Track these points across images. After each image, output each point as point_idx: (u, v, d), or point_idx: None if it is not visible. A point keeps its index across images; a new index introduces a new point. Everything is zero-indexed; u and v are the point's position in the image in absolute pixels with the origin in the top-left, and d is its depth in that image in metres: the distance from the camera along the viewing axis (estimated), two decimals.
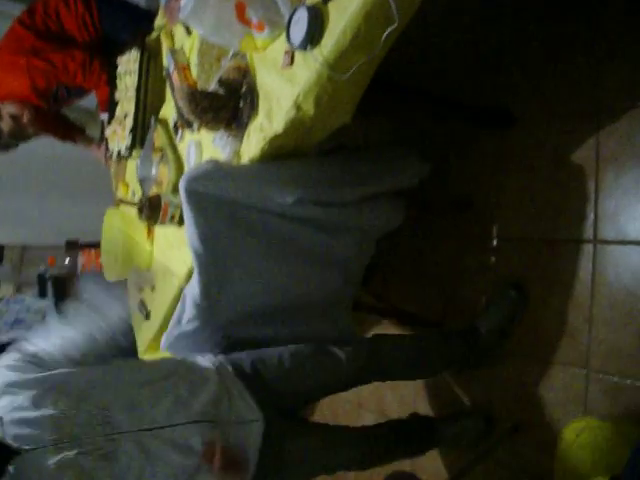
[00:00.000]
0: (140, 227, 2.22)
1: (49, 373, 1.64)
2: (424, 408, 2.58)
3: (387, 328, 2.73)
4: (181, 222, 1.89)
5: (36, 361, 1.72)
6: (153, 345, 2.21)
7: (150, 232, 2.22)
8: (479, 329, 2.24)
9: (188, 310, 1.79)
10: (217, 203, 1.67)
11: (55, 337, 1.82)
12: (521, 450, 2.19)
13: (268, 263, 1.79)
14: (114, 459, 1.52)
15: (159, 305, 2.04)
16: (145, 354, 2.32)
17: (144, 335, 2.22)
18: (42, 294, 4.67)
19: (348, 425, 2.13)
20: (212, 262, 1.70)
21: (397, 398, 2.74)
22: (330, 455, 1.97)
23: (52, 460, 1.46)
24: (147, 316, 2.14)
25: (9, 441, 1.47)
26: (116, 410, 1.57)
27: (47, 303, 4.56)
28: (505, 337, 2.25)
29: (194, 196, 1.65)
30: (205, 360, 1.83)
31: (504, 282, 2.25)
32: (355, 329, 2.19)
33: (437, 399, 2.56)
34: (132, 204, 2.34)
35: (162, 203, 1.94)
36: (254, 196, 1.68)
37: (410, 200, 2.06)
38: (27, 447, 1.46)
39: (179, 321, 1.84)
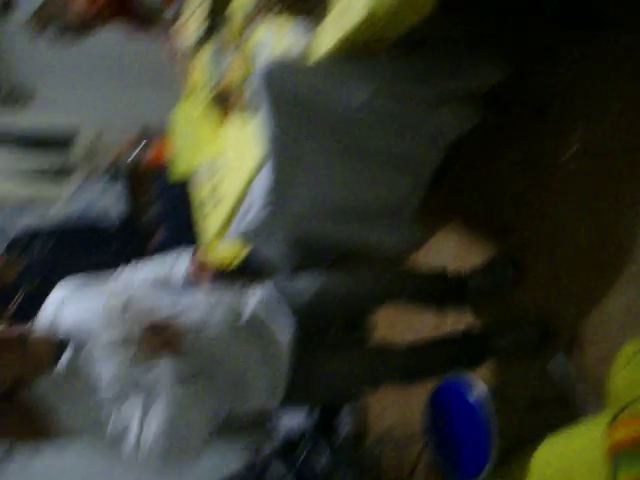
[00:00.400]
0: (211, 117, 2.23)
1: None
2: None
3: (452, 232, 2.72)
4: (254, 113, 1.89)
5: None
6: (219, 235, 2.27)
7: (221, 122, 2.23)
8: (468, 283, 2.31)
9: (257, 202, 1.82)
10: (291, 97, 1.66)
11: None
12: (578, 364, 2.20)
13: (339, 161, 1.79)
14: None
15: (227, 195, 2.08)
16: (211, 244, 2.39)
17: (210, 226, 2.27)
18: (112, 182, 4.79)
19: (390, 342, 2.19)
20: (283, 156, 1.72)
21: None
22: (365, 372, 2.02)
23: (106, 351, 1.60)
24: (216, 205, 2.18)
25: (65, 334, 1.62)
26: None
27: (118, 191, 4.70)
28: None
29: (268, 89, 1.65)
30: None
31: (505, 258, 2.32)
32: (420, 235, 2.20)
33: (492, 312, 2.57)
34: (204, 94, 2.34)
35: (237, 92, 1.94)
36: (328, 91, 1.66)
37: (486, 103, 2.00)
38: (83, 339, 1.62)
39: (247, 212, 1.88)
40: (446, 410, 2.02)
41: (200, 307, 1.75)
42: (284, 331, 1.83)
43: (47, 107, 4.26)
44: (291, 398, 1.86)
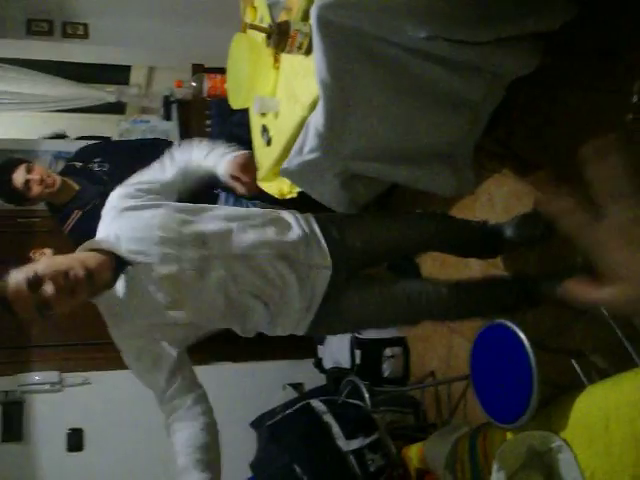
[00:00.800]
0: (267, 54, 2.22)
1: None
2: (535, 262, 2.59)
3: (507, 177, 2.69)
4: (309, 51, 1.87)
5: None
6: (272, 172, 2.29)
7: (276, 59, 2.22)
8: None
9: (310, 139, 1.83)
10: (348, 33, 1.64)
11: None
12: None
13: (395, 100, 1.78)
14: (205, 275, 1.83)
15: (281, 132, 2.08)
16: (263, 181, 2.41)
17: (264, 161, 2.29)
18: (167, 117, 4.84)
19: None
20: (338, 93, 1.71)
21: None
22: (389, 308, 2.11)
23: (157, 271, 1.79)
24: (269, 142, 2.20)
25: (124, 254, 1.79)
26: (211, 233, 1.88)
27: (172, 125, 4.74)
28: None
29: (326, 25, 1.63)
30: (290, 214, 2.07)
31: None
32: (474, 179, 2.18)
33: (547, 257, 2.55)
34: (260, 30, 2.33)
35: (291, 30, 1.92)
36: (386, 28, 1.64)
37: (547, 46, 1.95)
38: (139, 260, 1.79)
39: (300, 150, 1.89)
40: (491, 353, 2.04)
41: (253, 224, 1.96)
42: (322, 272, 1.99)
43: (101, 42, 4.28)
44: (318, 325, 2.04)
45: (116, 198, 1.97)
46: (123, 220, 1.89)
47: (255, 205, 3.24)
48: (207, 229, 1.89)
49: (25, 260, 1.77)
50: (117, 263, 1.78)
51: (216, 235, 1.88)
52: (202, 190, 3.22)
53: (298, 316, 1.99)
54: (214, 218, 1.95)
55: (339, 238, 2.06)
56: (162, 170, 2.14)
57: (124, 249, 1.80)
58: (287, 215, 2.07)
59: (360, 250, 2.10)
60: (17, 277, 1.65)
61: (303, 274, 1.96)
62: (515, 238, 2.36)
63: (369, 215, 2.26)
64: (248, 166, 2.15)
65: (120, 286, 1.78)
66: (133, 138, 4.76)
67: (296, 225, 2.02)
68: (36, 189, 2.98)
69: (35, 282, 1.63)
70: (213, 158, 2.15)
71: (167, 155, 2.19)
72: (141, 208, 1.91)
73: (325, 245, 2.01)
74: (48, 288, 1.63)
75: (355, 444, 3.19)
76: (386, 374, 3.78)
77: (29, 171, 2.97)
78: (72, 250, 1.84)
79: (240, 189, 2.19)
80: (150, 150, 3.41)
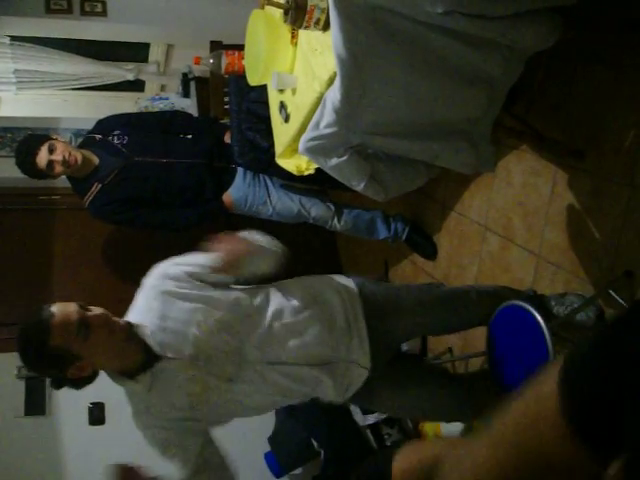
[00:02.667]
0: (284, 30, 2.21)
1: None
2: (552, 239, 2.58)
3: (525, 153, 2.67)
4: (326, 27, 1.87)
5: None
6: (290, 149, 2.29)
7: (294, 35, 2.21)
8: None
9: (327, 115, 1.83)
10: (365, 8, 1.63)
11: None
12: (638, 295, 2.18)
13: (412, 75, 1.77)
14: (236, 381, 1.81)
15: (299, 108, 2.08)
16: (281, 157, 2.41)
17: (282, 138, 2.29)
18: (186, 94, 4.84)
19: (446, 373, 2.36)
20: (356, 69, 1.70)
21: (526, 226, 2.74)
22: (422, 408, 2.20)
23: (185, 373, 1.77)
24: (287, 119, 2.20)
25: (154, 347, 1.76)
26: (248, 342, 1.83)
27: (190, 102, 4.75)
28: None
29: (342, 0, 1.62)
30: (337, 291, 2.02)
31: None
32: (494, 157, 2.17)
33: (567, 229, 2.54)
34: (277, 6, 2.32)
35: (308, 6, 1.91)
36: (403, 3, 1.63)
37: (568, 19, 1.92)
38: (169, 355, 1.76)
39: (317, 125, 1.89)
40: (508, 334, 2.04)
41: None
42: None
43: (120, 20, 4.29)
44: None
45: (160, 277, 1.86)
46: (161, 305, 1.81)
47: (272, 180, 3.26)
48: (246, 335, 1.84)
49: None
50: (147, 356, 1.76)
51: (255, 343, 1.83)
52: (222, 166, 3.26)
53: (330, 399, 2.05)
54: (258, 318, 1.87)
55: (383, 331, 2.03)
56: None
57: (157, 339, 1.77)
58: (333, 300, 2.00)
59: (400, 338, 2.17)
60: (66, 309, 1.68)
61: (340, 371, 1.96)
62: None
63: (419, 303, 2.15)
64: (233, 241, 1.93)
65: (144, 381, 1.77)
66: None
67: (341, 315, 1.97)
68: (59, 169, 3.04)
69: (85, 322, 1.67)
70: None
71: None
72: (182, 298, 1.82)
73: (368, 347, 1.99)
74: (93, 310, 1.70)
75: (372, 419, 3.22)
76: (404, 350, 3.80)
77: (51, 151, 3.02)
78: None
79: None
80: (169, 122, 3.44)
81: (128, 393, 1.85)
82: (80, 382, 1.79)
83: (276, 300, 1.92)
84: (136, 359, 1.76)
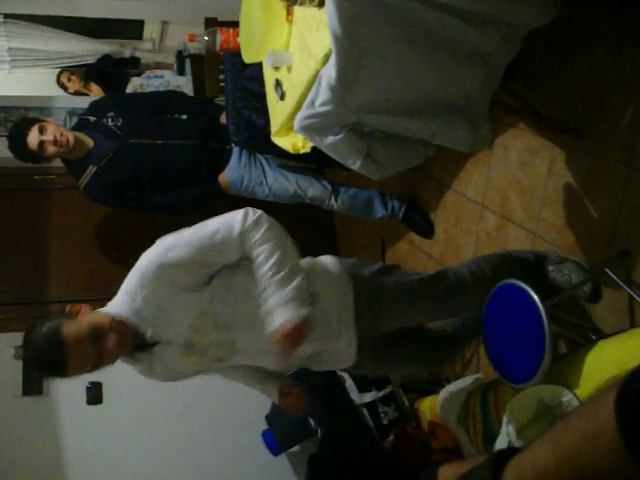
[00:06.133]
0: (279, 7, 2.19)
1: None
2: (549, 217, 2.58)
3: (522, 131, 2.66)
4: (322, 3, 1.84)
5: None
6: (285, 127, 2.28)
7: (289, 12, 2.19)
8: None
9: (323, 93, 1.81)
10: None
11: None
12: (633, 276, 2.18)
13: (409, 52, 1.75)
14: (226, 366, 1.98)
15: (295, 86, 2.06)
16: (277, 135, 2.40)
17: (277, 116, 2.28)
18: (181, 71, 4.81)
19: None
20: (351, 46, 1.68)
21: (523, 204, 2.73)
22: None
23: (183, 360, 1.87)
24: (282, 96, 2.18)
25: (148, 337, 1.81)
26: (240, 336, 1.89)
27: (185, 80, 4.71)
28: None
29: None
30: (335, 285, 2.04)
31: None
32: (491, 135, 2.16)
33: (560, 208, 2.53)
34: None
35: None
36: None
37: None
38: (163, 340, 1.82)
39: (312, 103, 1.87)
40: (503, 314, 2.04)
41: None
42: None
43: None
44: None
45: (160, 263, 1.77)
46: (156, 292, 1.78)
47: (268, 160, 3.24)
48: (236, 322, 1.87)
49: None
50: (137, 343, 1.81)
51: (245, 331, 1.88)
52: (217, 147, 3.24)
53: None
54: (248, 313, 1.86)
55: (370, 331, 2.09)
56: (222, 251, 1.85)
57: (150, 328, 1.81)
58: (326, 290, 2.00)
59: (389, 332, 2.18)
60: (78, 325, 1.70)
61: (325, 360, 2.11)
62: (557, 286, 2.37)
63: (404, 296, 2.15)
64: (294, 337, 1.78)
65: (144, 362, 1.88)
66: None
67: (335, 308, 1.99)
68: (50, 149, 3.01)
69: (97, 333, 1.70)
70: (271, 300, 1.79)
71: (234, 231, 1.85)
72: (182, 289, 1.79)
73: (355, 341, 2.04)
74: (110, 338, 1.71)
75: (368, 397, 3.23)
76: None
77: (42, 132, 2.99)
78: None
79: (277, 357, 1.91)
80: (163, 103, 3.41)
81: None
82: None
83: None
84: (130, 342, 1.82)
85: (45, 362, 1.70)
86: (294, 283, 1.77)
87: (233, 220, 1.79)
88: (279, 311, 1.73)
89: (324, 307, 1.96)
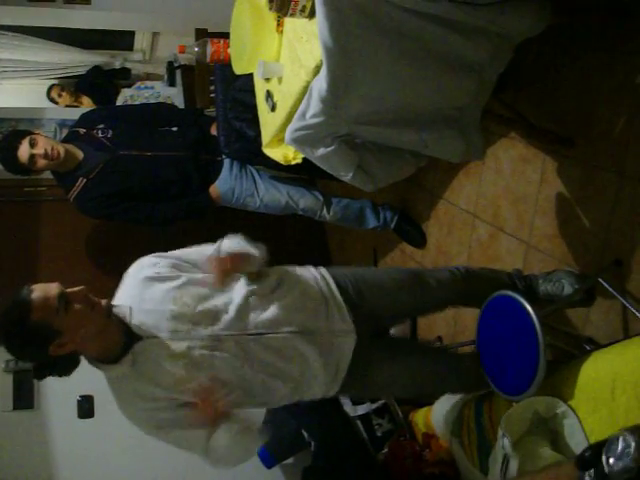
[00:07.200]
0: (270, 17, 2.18)
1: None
2: (541, 227, 2.57)
3: (514, 141, 2.66)
4: (312, 14, 1.84)
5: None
6: (277, 138, 2.27)
7: (280, 23, 2.18)
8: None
9: (314, 104, 1.80)
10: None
11: None
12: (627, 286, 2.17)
13: (400, 63, 1.74)
14: (216, 355, 1.82)
15: (286, 97, 2.05)
16: (268, 147, 2.39)
17: (269, 127, 2.26)
18: (171, 82, 4.80)
19: (439, 348, 2.27)
20: (341, 57, 1.67)
21: (515, 214, 2.73)
22: (416, 381, 2.17)
23: (166, 350, 1.79)
24: (273, 108, 2.17)
25: (134, 328, 1.79)
26: (225, 314, 1.86)
27: (176, 91, 4.70)
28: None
29: None
30: (308, 272, 2.09)
31: None
32: (483, 145, 2.16)
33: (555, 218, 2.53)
34: None
35: None
36: None
37: (558, 5, 1.90)
38: (148, 335, 1.79)
39: (303, 115, 1.86)
40: (498, 325, 2.03)
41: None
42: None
43: (103, 8, 4.22)
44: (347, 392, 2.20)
45: (140, 266, 1.94)
46: (139, 291, 1.86)
47: (259, 171, 3.23)
48: (223, 306, 1.87)
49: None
50: (127, 337, 1.79)
51: (232, 314, 1.87)
52: (208, 159, 3.22)
53: (324, 387, 2.02)
54: (234, 293, 1.91)
55: (357, 299, 2.07)
56: (200, 252, 2.01)
57: (136, 321, 1.80)
58: (305, 275, 2.07)
59: (380, 312, 2.14)
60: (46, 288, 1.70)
61: (326, 343, 1.97)
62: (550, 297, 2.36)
63: (388, 277, 2.22)
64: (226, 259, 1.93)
65: (127, 363, 1.79)
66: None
67: (315, 289, 2.03)
68: (41, 163, 3.00)
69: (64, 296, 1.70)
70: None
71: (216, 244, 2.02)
72: (159, 280, 1.88)
73: (345, 307, 2.02)
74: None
75: (362, 409, 3.21)
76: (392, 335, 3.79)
77: (33, 145, 2.97)
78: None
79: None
80: (153, 115, 3.40)
81: (112, 380, 1.85)
82: (62, 367, 1.79)
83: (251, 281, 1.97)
84: (117, 341, 1.78)
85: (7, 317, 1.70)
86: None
87: None
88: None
89: (303, 282, 2.04)
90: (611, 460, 0.68)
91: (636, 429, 0.71)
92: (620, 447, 0.69)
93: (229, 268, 1.89)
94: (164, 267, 1.91)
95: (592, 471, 0.70)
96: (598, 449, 0.71)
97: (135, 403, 1.84)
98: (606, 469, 0.68)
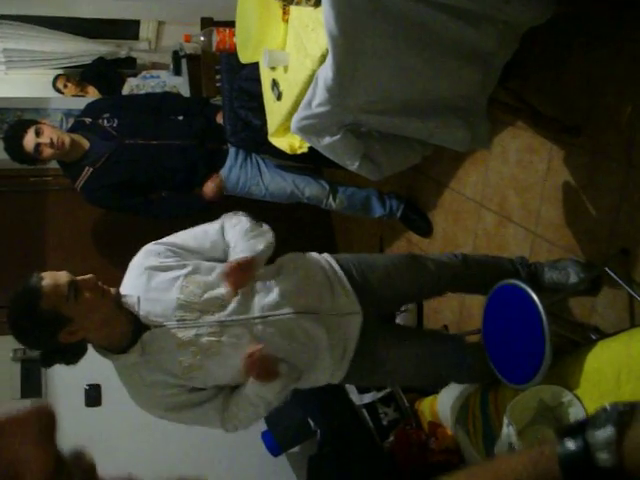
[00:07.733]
0: (275, 6, 2.18)
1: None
2: (547, 216, 2.57)
3: (520, 130, 2.65)
4: (318, 3, 1.83)
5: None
6: (282, 127, 2.26)
7: (285, 12, 2.18)
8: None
9: (319, 93, 1.79)
10: None
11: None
12: (633, 275, 2.17)
13: (406, 52, 1.73)
14: (224, 341, 1.85)
15: (291, 86, 2.05)
16: (274, 136, 2.38)
17: (274, 116, 2.26)
18: (177, 72, 4.78)
19: (446, 335, 2.41)
20: (347, 46, 1.66)
21: (521, 202, 2.72)
22: (421, 368, 2.19)
23: (174, 338, 1.81)
24: (279, 97, 2.16)
25: (142, 317, 1.81)
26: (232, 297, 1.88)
27: (182, 80, 4.69)
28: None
29: None
30: (312, 256, 2.13)
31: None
32: (489, 134, 2.15)
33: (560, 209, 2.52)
34: None
35: None
36: None
37: None
38: (156, 324, 1.81)
39: (309, 104, 1.86)
40: (504, 314, 2.03)
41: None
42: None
43: None
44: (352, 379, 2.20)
45: (144, 255, 1.95)
46: (145, 279, 1.88)
47: (264, 160, 3.23)
48: (228, 293, 1.88)
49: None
50: (135, 326, 1.81)
51: (237, 299, 1.88)
52: (213, 148, 3.23)
53: (330, 371, 2.03)
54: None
55: (362, 282, 2.09)
56: (204, 238, 2.04)
57: (143, 310, 1.82)
58: (309, 259, 2.11)
59: (384, 293, 2.15)
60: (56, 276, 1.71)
61: (333, 323, 1.99)
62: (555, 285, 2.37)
63: (389, 260, 2.27)
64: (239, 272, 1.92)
65: (136, 352, 1.80)
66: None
67: (319, 271, 2.06)
68: (47, 152, 3.00)
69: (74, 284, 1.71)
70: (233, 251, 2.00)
71: (215, 224, 2.08)
72: (165, 269, 1.90)
73: (351, 288, 2.05)
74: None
75: (368, 398, 3.22)
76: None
77: (38, 134, 2.98)
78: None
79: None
80: (159, 104, 3.40)
81: (121, 369, 1.87)
82: (70, 355, 1.80)
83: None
84: (125, 330, 1.80)
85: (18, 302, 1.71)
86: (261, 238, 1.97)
87: None
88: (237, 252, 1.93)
89: (307, 266, 2.08)
90: (593, 428, 0.69)
91: (620, 403, 0.71)
92: (603, 416, 0.70)
93: (244, 284, 1.91)
94: (168, 256, 1.93)
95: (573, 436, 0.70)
96: (582, 422, 0.72)
97: (146, 391, 1.87)
98: (587, 435, 0.69)
